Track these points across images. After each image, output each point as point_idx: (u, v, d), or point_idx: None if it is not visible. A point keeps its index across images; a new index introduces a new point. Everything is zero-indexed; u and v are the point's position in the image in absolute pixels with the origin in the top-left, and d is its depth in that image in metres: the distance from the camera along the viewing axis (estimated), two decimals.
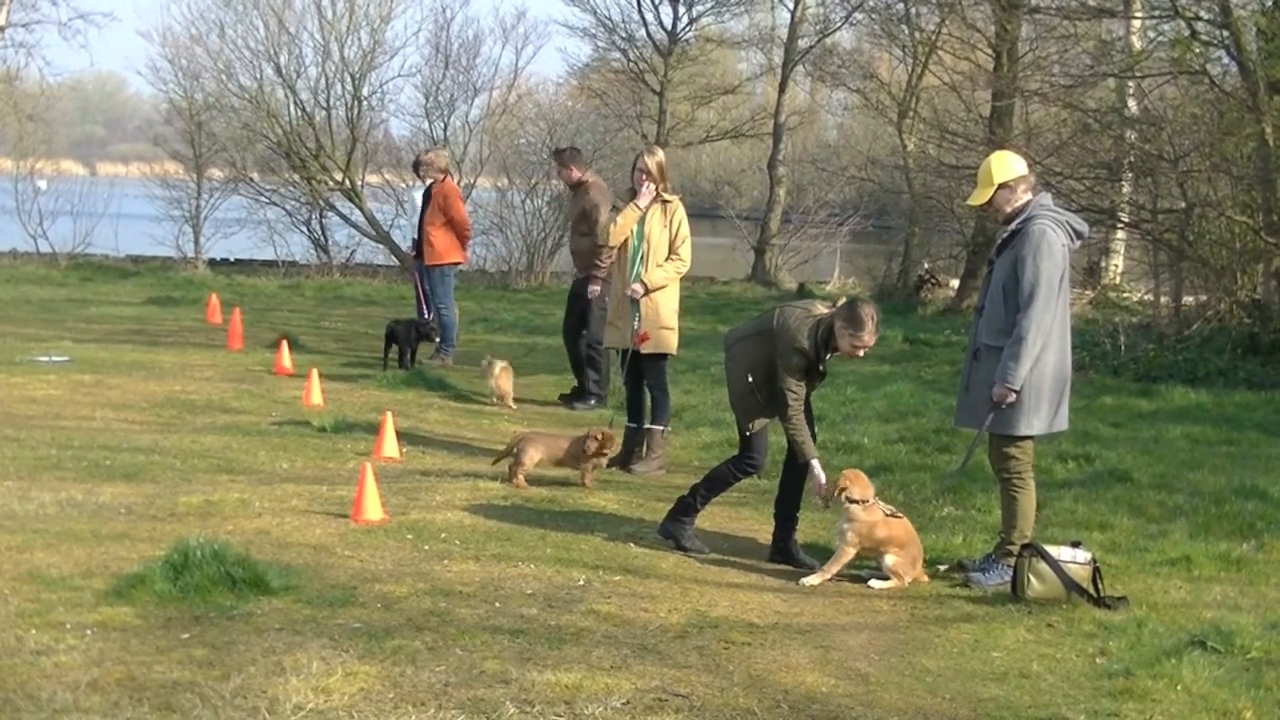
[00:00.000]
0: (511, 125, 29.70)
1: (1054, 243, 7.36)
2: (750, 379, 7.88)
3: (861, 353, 7.67)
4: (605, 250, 11.20)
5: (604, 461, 9.72)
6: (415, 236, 16.37)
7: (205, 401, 12.11)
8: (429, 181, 15.69)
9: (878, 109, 28.94)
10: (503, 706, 5.37)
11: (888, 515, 7.63)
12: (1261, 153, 16.39)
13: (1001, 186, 7.52)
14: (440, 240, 15.39)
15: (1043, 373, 7.40)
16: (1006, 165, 7.58)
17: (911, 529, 7.71)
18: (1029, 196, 7.55)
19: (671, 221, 10.23)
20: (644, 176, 10.19)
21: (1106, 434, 12.08)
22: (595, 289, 12.45)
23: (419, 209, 16.07)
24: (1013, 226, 7.51)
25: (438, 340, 15.24)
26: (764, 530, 8.57)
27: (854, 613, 7.08)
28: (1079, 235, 7.58)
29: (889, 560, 7.51)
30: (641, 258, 10.22)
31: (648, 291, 10.16)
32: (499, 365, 12.97)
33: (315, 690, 5.44)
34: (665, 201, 10.24)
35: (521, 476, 9.45)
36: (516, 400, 12.96)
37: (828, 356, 7.76)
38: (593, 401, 12.76)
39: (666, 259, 10.19)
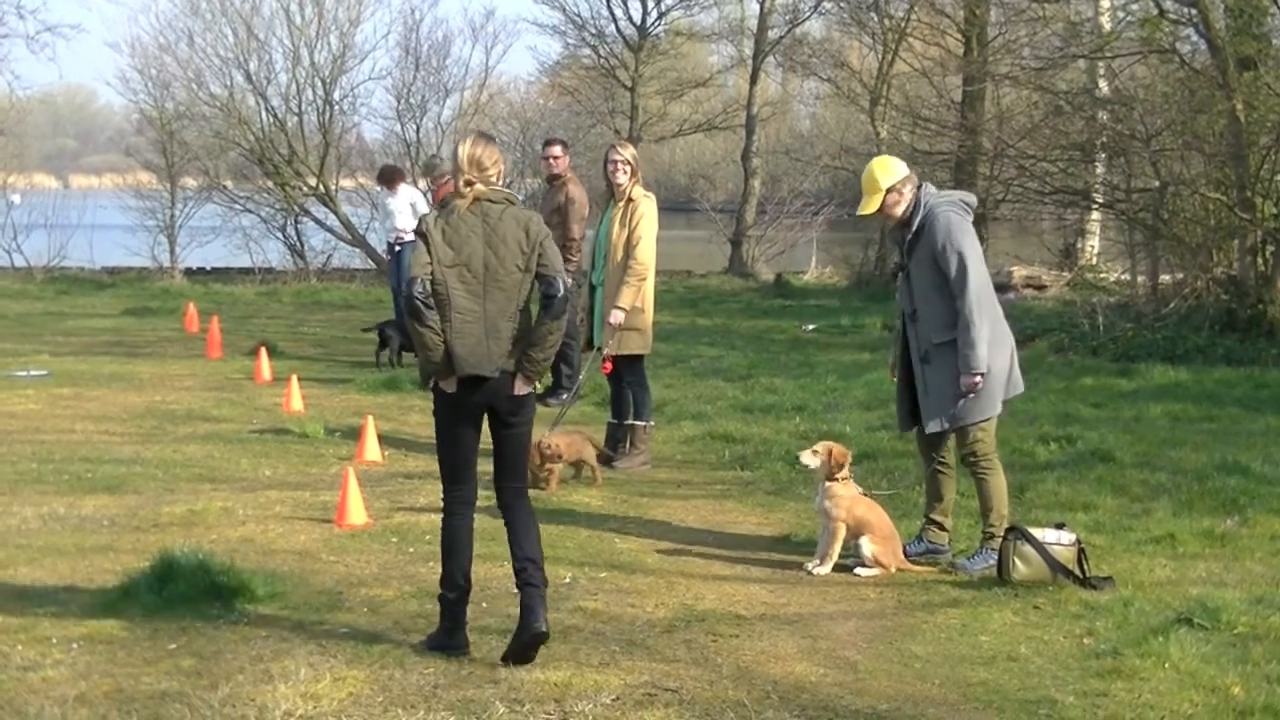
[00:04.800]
0: (484, 125, 29.67)
1: (962, 223, 7.48)
2: None
3: None
4: (573, 245, 11.70)
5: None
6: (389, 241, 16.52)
7: (186, 411, 12.07)
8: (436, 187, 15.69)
9: (850, 97, 28.98)
10: (492, 706, 5.37)
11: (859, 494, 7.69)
12: (1233, 129, 16.45)
13: (889, 190, 7.56)
14: None
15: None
16: (890, 169, 7.62)
17: (886, 516, 7.69)
18: (915, 194, 7.60)
19: (629, 220, 9.93)
20: (622, 166, 10.04)
21: (1087, 414, 12.12)
22: (568, 281, 12.38)
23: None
24: (915, 225, 7.54)
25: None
26: (747, 522, 8.59)
27: (841, 601, 7.08)
28: (970, 208, 7.70)
29: (866, 550, 7.48)
30: (605, 255, 10.13)
31: (627, 313, 10.00)
32: None
33: (304, 697, 5.43)
34: (630, 200, 10.11)
35: (555, 482, 9.40)
36: None
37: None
38: (564, 395, 12.70)
39: (624, 260, 9.91)
